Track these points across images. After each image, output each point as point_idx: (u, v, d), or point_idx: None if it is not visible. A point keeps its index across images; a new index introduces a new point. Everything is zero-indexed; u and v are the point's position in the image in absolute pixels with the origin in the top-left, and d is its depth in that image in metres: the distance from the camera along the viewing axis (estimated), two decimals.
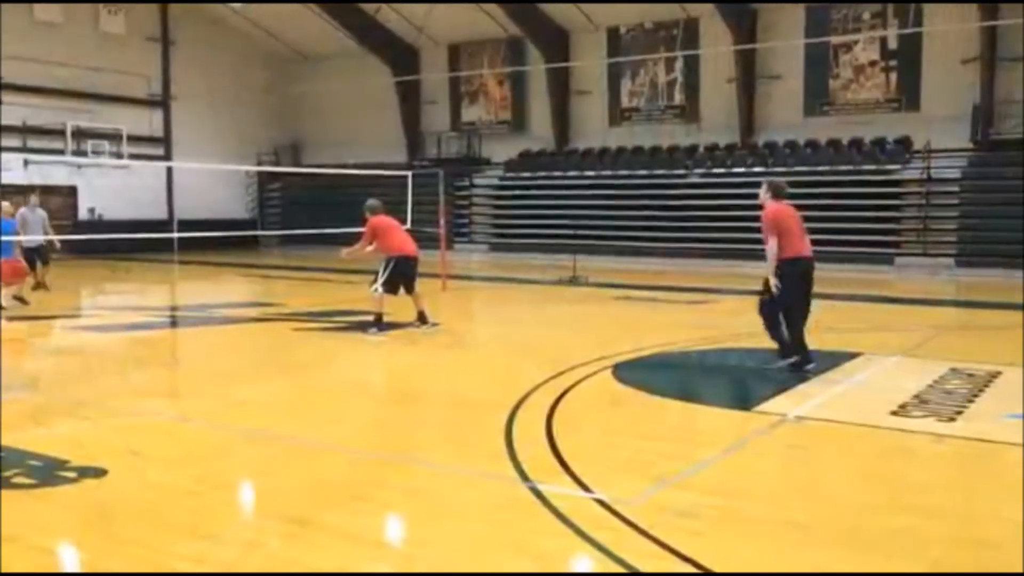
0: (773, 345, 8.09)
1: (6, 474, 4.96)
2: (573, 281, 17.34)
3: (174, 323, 12.83)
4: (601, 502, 4.44)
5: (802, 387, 7.32)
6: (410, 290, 10.47)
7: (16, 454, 5.31)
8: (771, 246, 7.82)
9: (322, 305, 13.84)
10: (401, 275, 10.30)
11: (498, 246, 26.35)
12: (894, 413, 6.37)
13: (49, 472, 4.97)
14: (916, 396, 6.89)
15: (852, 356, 8.73)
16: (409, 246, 10.49)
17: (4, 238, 12.69)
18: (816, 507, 4.47)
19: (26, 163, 24.98)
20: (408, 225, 17.77)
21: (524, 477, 4.86)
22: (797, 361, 7.88)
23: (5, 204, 13.67)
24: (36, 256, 15.03)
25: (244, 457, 5.50)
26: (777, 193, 8.20)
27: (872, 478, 5.05)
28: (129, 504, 4.49)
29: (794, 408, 6.51)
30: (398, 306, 10.86)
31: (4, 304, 12.59)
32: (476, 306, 14.98)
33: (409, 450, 5.74)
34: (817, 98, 23.82)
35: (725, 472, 5.11)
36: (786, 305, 7.89)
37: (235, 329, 11.63)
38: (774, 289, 7.82)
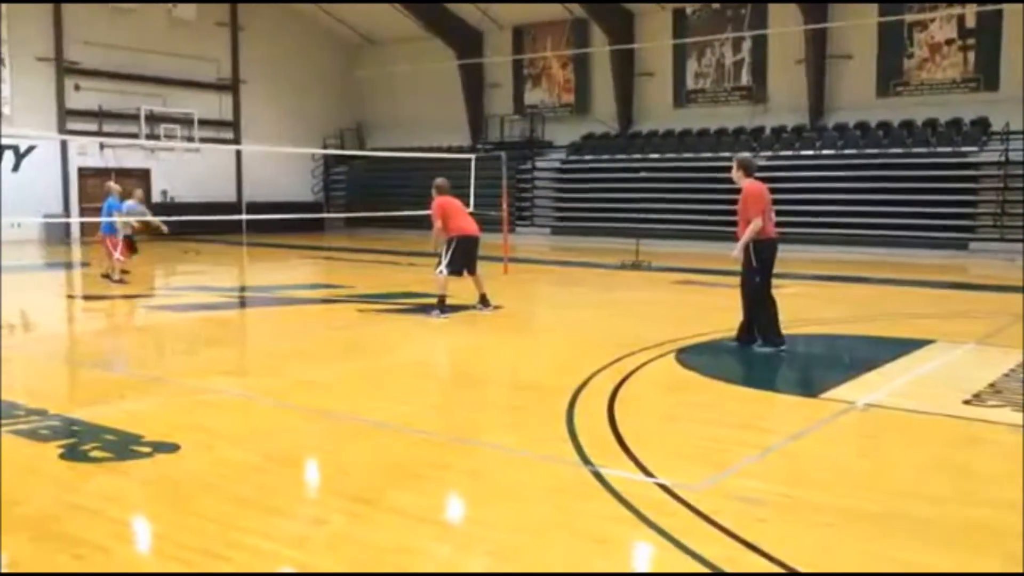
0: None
1: (84, 447, 5.15)
2: (636, 265, 17.21)
3: (243, 304, 13.10)
4: (663, 487, 4.42)
5: (871, 374, 7.17)
6: (472, 271, 10.53)
7: (93, 428, 5.51)
8: (756, 224, 7.91)
9: (386, 287, 14.00)
10: (463, 255, 10.35)
11: (560, 230, 26.26)
12: (967, 402, 6.20)
13: (124, 446, 5.13)
14: (991, 385, 6.70)
15: (924, 343, 8.50)
16: (471, 226, 10.54)
17: (113, 218, 13.43)
18: (885, 497, 4.37)
19: (102, 147, 25.77)
20: (471, 208, 17.90)
21: (586, 460, 4.86)
22: (777, 342, 7.98)
23: (114, 185, 14.50)
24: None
25: (310, 435, 5.60)
26: (748, 170, 8.31)
27: (943, 468, 4.92)
28: (200, 479, 4.61)
29: (863, 396, 6.36)
30: (460, 289, 10.92)
31: (116, 277, 13.63)
32: (537, 289, 14.96)
33: (472, 432, 5.77)
34: (890, 78, 23.14)
35: (791, 460, 5.03)
36: (766, 285, 8.05)
37: (301, 310, 11.81)
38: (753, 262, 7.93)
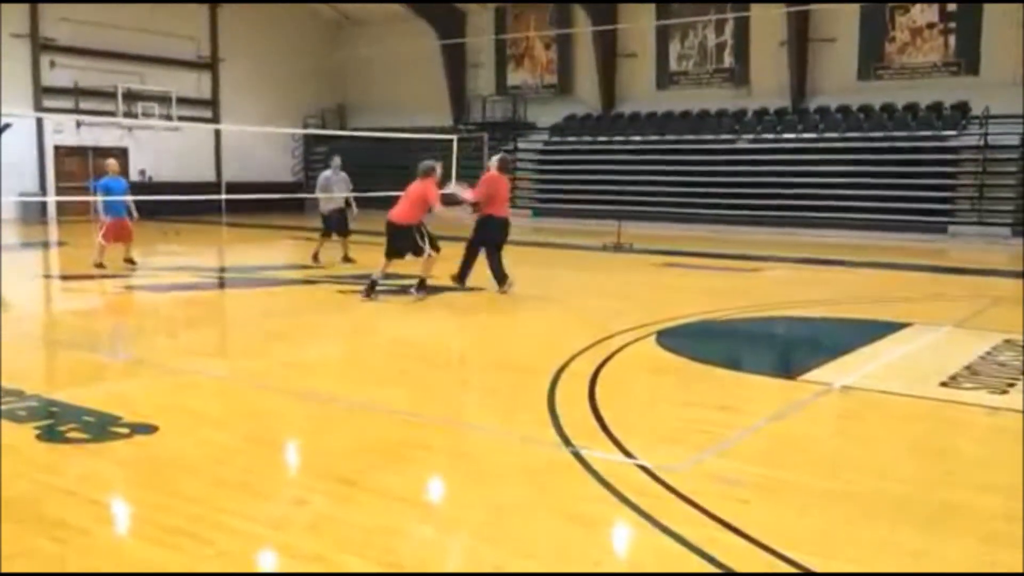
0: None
1: (61, 428, 5.11)
2: (618, 247, 17.22)
3: (223, 284, 13.03)
4: (644, 468, 4.44)
5: (849, 357, 7.22)
6: (437, 250, 10.39)
7: (72, 410, 5.46)
8: (469, 198, 10.79)
9: (365, 268, 13.92)
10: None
11: (542, 211, 26.25)
12: (944, 384, 6.26)
13: (103, 428, 5.09)
14: (967, 367, 6.76)
15: (902, 326, 8.57)
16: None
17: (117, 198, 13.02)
18: (862, 477, 4.41)
19: (79, 125, 25.44)
20: (450, 189, 17.82)
21: (567, 442, 4.88)
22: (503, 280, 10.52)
23: (112, 162, 13.84)
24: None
25: (291, 417, 5.57)
26: (504, 168, 10.91)
27: (921, 449, 4.98)
28: (179, 460, 4.58)
29: (841, 377, 6.41)
30: (438, 269, 10.89)
31: (123, 261, 12.99)
32: (519, 271, 14.87)
33: (454, 413, 5.78)
34: (872, 61, 23.22)
35: (771, 441, 5.07)
36: (484, 246, 10.63)
37: (282, 291, 11.75)
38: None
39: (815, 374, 6.59)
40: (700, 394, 6.14)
